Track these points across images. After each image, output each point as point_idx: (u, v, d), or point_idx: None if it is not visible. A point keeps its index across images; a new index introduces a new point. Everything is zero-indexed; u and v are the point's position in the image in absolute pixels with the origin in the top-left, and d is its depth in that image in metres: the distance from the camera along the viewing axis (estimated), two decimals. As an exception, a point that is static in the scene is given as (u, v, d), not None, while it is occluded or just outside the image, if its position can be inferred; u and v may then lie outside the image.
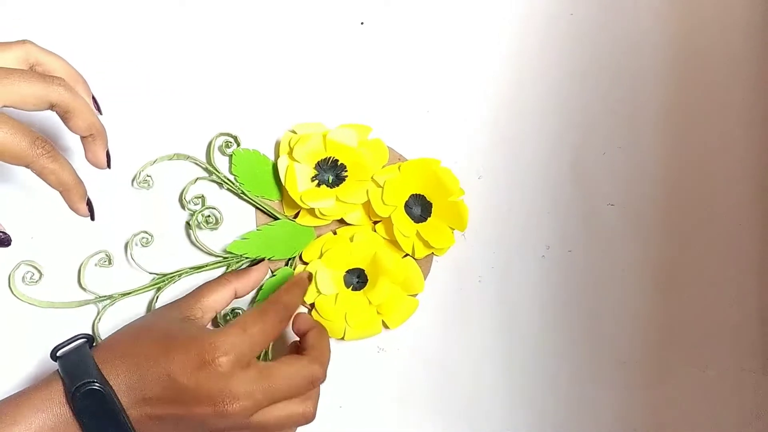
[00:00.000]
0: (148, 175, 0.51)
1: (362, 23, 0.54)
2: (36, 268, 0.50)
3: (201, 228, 0.52)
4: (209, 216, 0.52)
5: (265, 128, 0.53)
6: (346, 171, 0.52)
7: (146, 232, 0.51)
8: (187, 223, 0.52)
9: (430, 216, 0.53)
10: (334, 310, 0.53)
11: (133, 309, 0.51)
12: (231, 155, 0.52)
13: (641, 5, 0.56)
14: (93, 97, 0.46)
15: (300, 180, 0.51)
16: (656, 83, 0.56)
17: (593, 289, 0.57)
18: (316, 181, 0.51)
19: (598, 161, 0.56)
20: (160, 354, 0.42)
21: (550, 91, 0.56)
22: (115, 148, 0.46)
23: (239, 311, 0.52)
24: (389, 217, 0.52)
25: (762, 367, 0.58)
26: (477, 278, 0.56)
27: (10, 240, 0.43)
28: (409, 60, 0.55)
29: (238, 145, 0.52)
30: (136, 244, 0.51)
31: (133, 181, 0.51)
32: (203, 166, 0.52)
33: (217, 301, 0.48)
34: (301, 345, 0.49)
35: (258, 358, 0.47)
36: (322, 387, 0.53)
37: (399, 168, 0.53)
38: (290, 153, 0.51)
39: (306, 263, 0.53)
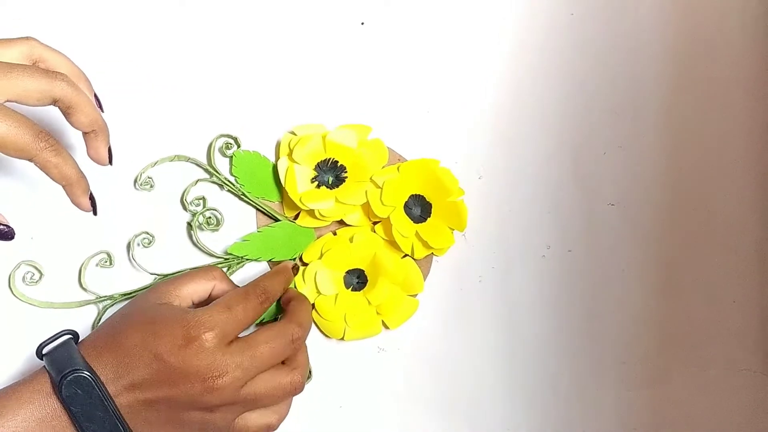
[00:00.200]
0: (149, 177, 0.51)
1: (362, 24, 0.54)
2: (36, 268, 0.50)
3: (202, 229, 0.52)
4: (210, 217, 0.52)
5: (265, 130, 0.53)
6: (346, 172, 0.52)
7: (147, 233, 0.51)
8: (188, 224, 0.52)
9: (429, 216, 0.53)
10: (334, 311, 0.53)
11: (133, 310, 0.51)
12: (231, 157, 0.52)
13: (642, 5, 0.56)
14: (95, 95, 0.46)
15: (300, 181, 0.51)
16: (657, 83, 0.56)
17: (594, 288, 0.57)
18: (316, 182, 0.51)
19: (598, 161, 0.56)
20: (145, 338, 0.42)
21: (550, 91, 0.56)
22: (117, 149, 0.47)
23: None
24: (388, 217, 0.52)
25: (762, 367, 0.58)
26: (477, 278, 0.56)
27: (14, 233, 0.43)
28: (409, 60, 0.55)
29: (239, 146, 0.52)
30: (138, 245, 0.51)
31: (134, 182, 0.51)
32: (204, 167, 0.52)
33: (195, 291, 0.48)
34: (284, 313, 0.50)
35: None
36: (322, 387, 0.54)
37: (398, 168, 0.53)
38: (290, 154, 0.51)
39: (306, 264, 0.53)
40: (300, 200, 0.51)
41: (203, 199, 0.52)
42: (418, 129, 0.55)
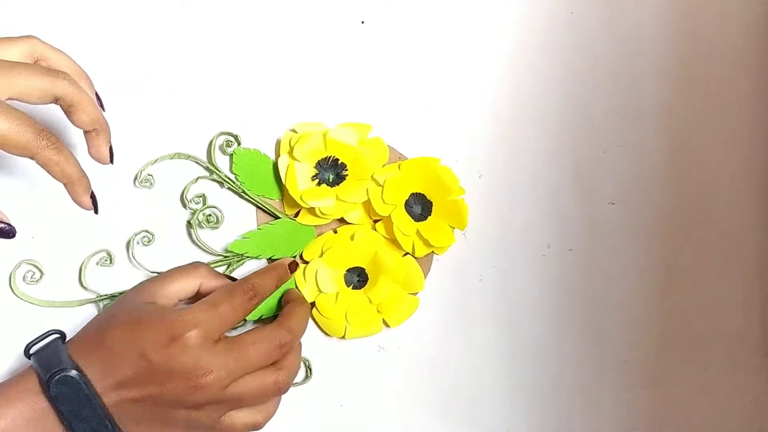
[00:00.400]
0: (149, 175, 0.51)
1: (363, 22, 0.54)
2: (37, 267, 0.50)
3: (202, 227, 0.52)
4: (210, 215, 0.52)
5: (265, 127, 0.53)
6: (347, 170, 0.52)
7: (147, 231, 0.51)
8: (188, 222, 0.52)
9: (430, 215, 0.53)
10: (335, 309, 0.53)
11: (134, 308, 0.51)
12: (232, 154, 0.52)
13: (642, 4, 0.56)
14: (96, 94, 0.46)
15: (300, 179, 0.51)
16: (657, 82, 0.57)
17: (594, 287, 0.57)
18: (317, 180, 0.51)
19: (599, 160, 0.56)
20: (131, 337, 0.43)
21: (550, 90, 0.56)
22: (117, 147, 0.46)
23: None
24: (389, 215, 0.52)
25: (762, 367, 0.58)
26: (477, 277, 0.56)
27: (15, 231, 0.43)
28: (409, 59, 0.55)
29: (239, 144, 0.52)
30: (138, 243, 0.51)
31: (134, 180, 0.51)
32: (204, 165, 0.52)
33: (182, 289, 0.48)
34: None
35: None
36: (322, 385, 0.54)
37: (399, 167, 0.53)
38: (290, 152, 0.51)
39: (307, 262, 0.53)
40: (300, 198, 0.51)
41: (203, 196, 0.52)
42: (418, 127, 0.55)
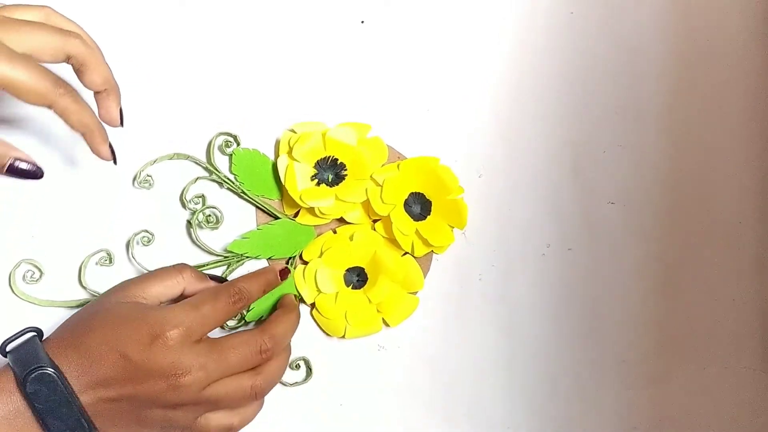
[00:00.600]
0: (148, 175, 0.51)
1: (362, 22, 0.54)
2: (37, 267, 0.50)
3: (201, 227, 0.52)
4: (210, 215, 0.52)
5: (264, 127, 0.53)
6: (346, 170, 0.52)
7: (147, 231, 0.51)
8: (188, 222, 0.52)
9: (429, 214, 0.53)
10: (335, 309, 0.53)
11: (133, 308, 0.51)
12: (231, 155, 0.52)
13: (642, 4, 0.56)
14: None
15: (300, 179, 0.51)
16: (657, 81, 0.56)
17: (593, 287, 0.57)
18: (316, 180, 0.51)
19: (598, 159, 0.56)
20: (111, 336, 0.42)
21: (550, 90, 0.56)
22: (116, 148, 0.46)
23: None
24: (389, 215, 0.52)
25: (762, 367, 0.58)
26: (477, 276, 0.56)
27: (42, 172, 0.43)
28: (409, 58, 0.55)
29: (238, 144, 0.52)
30: (137, 243, 0.51)
31: (134, 180, 0.51)
32: (203, 165, 0.52)
33: (163, 293, 0.47)
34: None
35: None
36: (322, 385, 0.54)
37: (398, 166, 0.53)
38: (290, 152, 0.51)
39: (306, 262, 0.53)
40: (300, 198, 0.51)
41: (203, 197, 0.52)
42: (418, 127, 0.55)
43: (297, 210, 0.53)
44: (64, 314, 0.50)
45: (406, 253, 0.54)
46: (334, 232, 0.54)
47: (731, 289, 0.57)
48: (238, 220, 0.53)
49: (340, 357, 0.54)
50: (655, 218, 0.57)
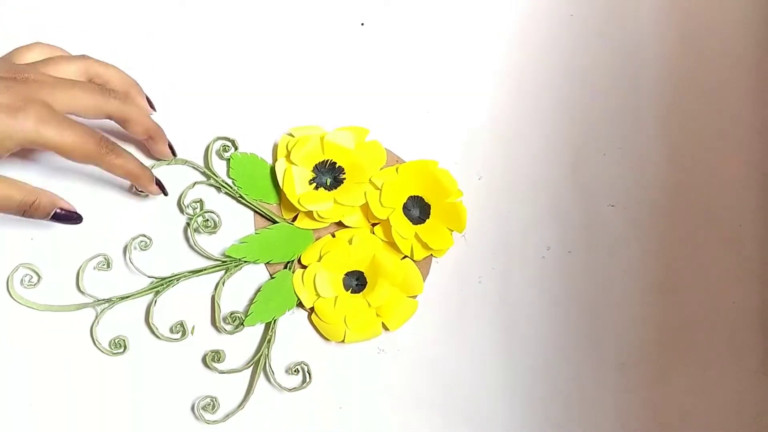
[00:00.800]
0: (146, 179, 0.51)
1: (362, 24, 0.54)
2: (34, 271, 0.50)
3: (199, 232, 0.52)
4: (207, 220, 0.52)
5: (262, 131, 0.53)
6: (344, 173, 0.52)
7: (145, 236, 0.51)
8: (186, 227, 0.52)
9: (428, 217, 0.53)
10: (334, 313, 0.53)
11: (131, 313, 0.51)
12: (229, 159, 0.52)
13: (642, 5, 0.56)
14: (147, 98, 0.50)
15: (298, 183, 0.51)
16: (657, 83, 0.56)
17: (593, 289, 0.56)
18: (314, 184, 0.51)
19: (598, 162, 0.56)
20: None
21: (550, 92, 0.56)
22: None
23: (238, 314, 0.52)
24: (388, 219, 0.52)
25: (762, 367, 0.58)
26: (477, 279, 0.56)
27: (81, 218, 0.47)
28: (408, 61, 0.54)
29: (236, 148, 0.52)
30: (135, 248, 0.51)
31: (131, 185, 0.51)
32: (201, 170, 0.52)
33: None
34: None
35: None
36: (322, 388, 0.53)
37: (397, 170, 0.53)
38: (288, 156, 0.51)
39: (305, 266, 0.53)
40: (298, 202, 0.51)
41: (201, 201, 0.52)
42: (417, 130, 0.54)
43: (295, 214, 0.53)
44: (62, 319, 0.50)
45: (405, 256, 0.54)
46: (333, 235, 0.53)
47: (731, 291, 0.57)
48: (236, 224, 0.52)
49: (340, 360, 0.54)
50: (655, 221, 0.57)
